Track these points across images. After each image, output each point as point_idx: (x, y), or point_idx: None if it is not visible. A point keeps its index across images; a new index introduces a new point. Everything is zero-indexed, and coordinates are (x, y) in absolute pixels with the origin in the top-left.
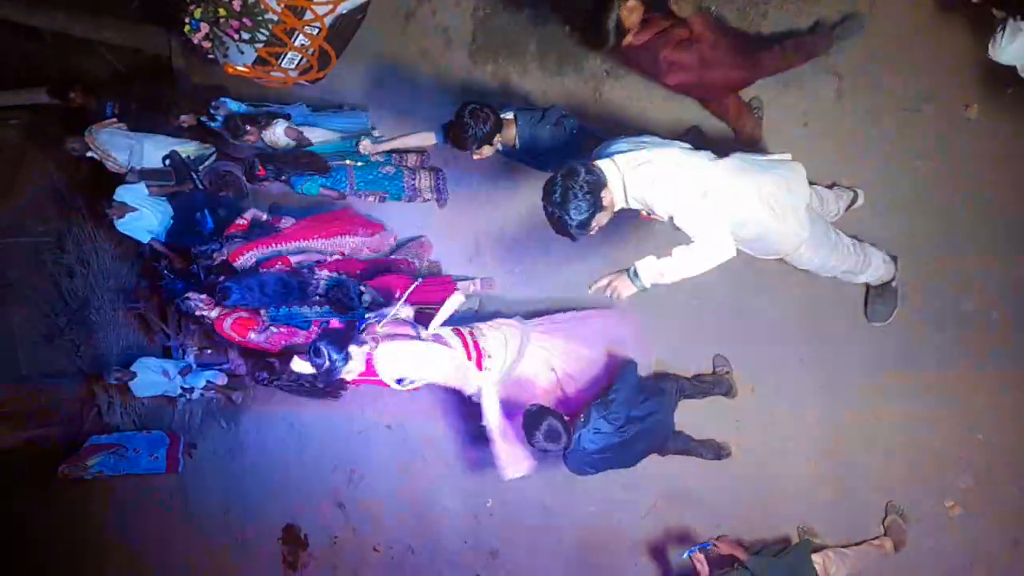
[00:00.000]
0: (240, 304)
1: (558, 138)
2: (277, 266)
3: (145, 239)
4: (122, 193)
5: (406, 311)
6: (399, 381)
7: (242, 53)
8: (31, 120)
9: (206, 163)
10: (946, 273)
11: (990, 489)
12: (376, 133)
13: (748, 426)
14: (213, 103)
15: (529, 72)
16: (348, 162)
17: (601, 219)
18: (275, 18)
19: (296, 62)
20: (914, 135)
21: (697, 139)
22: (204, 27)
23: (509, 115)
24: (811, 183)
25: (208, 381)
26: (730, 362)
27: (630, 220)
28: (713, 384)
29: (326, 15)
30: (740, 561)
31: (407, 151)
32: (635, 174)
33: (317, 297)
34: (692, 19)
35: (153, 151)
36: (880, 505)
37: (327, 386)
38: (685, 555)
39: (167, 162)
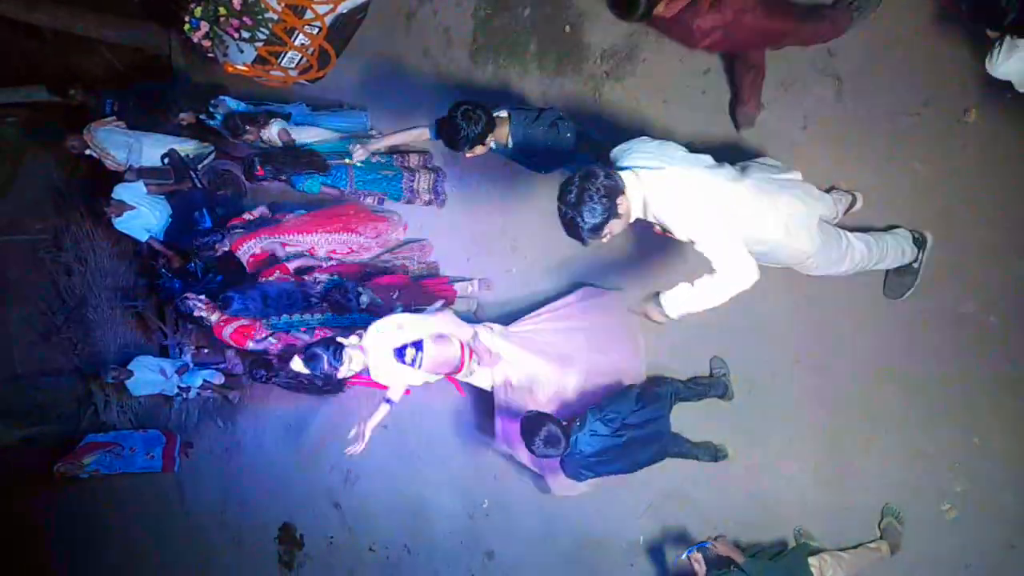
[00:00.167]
0: (241, 314)
1: (551, 140)
2: (276, 274)
3: (143, 237)
4: (120, 191)
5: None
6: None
7: (242, 52)
8: (30, 118)
9: (205, 162)
10: (944, 276)
11: (986, 493)
12: (375, 133)
13: (744, 428)
14: (212, 101)
15: (529, 72)
16: (347, 161)
17: (615, 226)
18: (275, 17)
19: (296, 61)
20: (913, 138)
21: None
22: (204, 25)
23: (503, 113)
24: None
25: (205, 380)
26: (727, 364)
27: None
28: (709, 386)
29: (327, 14)
30: (737, 564)
31: (407, 151)
32: (658, 194)
33: (317, 301)
34: None
35: (152, 149)
36: (876, 508)
37: (326, 383)
38: (684, 555)
39: (166, 160)
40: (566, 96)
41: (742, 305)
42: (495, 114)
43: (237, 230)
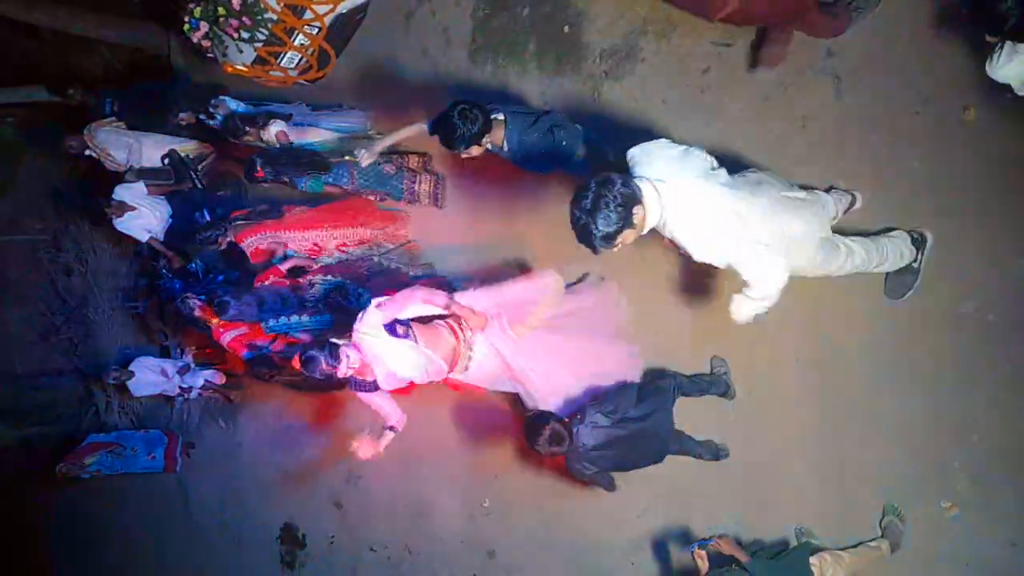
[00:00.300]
0: (237, 319)
1: (547, 146)
2: (270, 278)
3: (143, 238)
4: (121, 192)
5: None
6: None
7: (241, 52)
8: (29, 118)
9: (205, 162)
10: (943, 274)
11: (987, 491)
12: (374, 133)
13: (745, 427)
14: (212, 101)
15: (528, 72)
16: (348, 158)
17: (628, 236)
18: (275, 17)
19: (296, 61)
20: (912, 137)
21: None
22: (203, 26)
23: (500, 116)
24: (811, 187)
25: (206, 380)
26: (727, 363)
27: None
28: (711, 383)
29: (326, 14)
30: (739, 563)
31: (406, 152)
32: (677, 213)
33: (313, 303)
34: None
35: (152, 150)
36: (877, 506)
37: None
38: (690, 549)
39: (166, 161)
40: (565, 96)
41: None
42: (492, 116)
43: (240, 222)
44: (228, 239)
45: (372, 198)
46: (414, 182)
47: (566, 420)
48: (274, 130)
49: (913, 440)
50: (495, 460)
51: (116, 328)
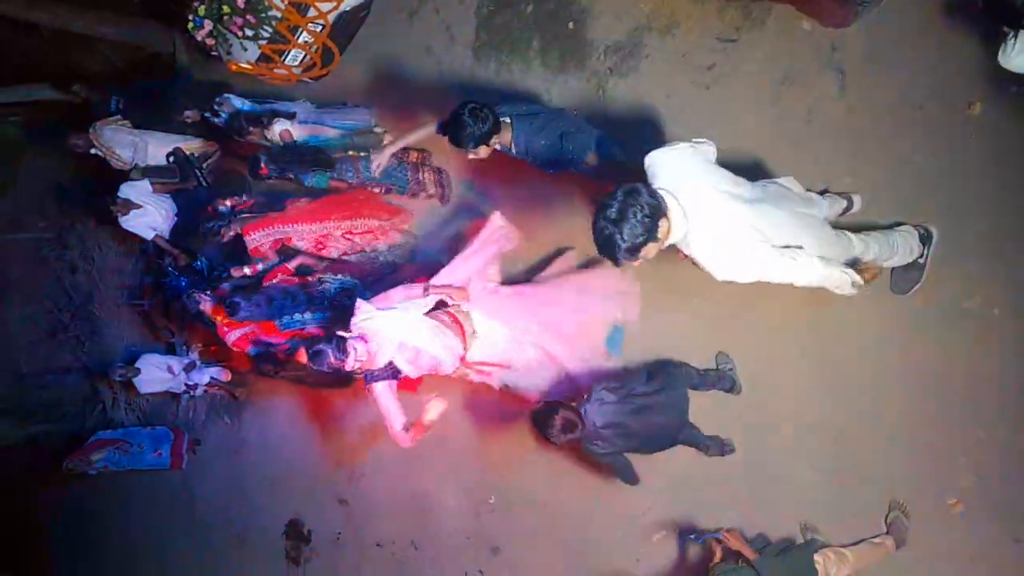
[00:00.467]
0: (248, 319)
1: (555, 153)
2: (279, 276)
3: (149, 236)
4: (126, 190)
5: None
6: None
7: (245, 50)
8: (31, 116)
9: (210, 160)
10: (948, 270)
11: (992, 487)
12: (378, 130)
13: (751, 422)
14: (217, 99)
15: (532, 69)
16: (351, 153)
17: (651, 250)
18: (279, 15)
19: (300, 59)
20: (917, 132)
21: None
22: (208, 24)
23: (507, 120)
24: (806, 188)
25: (212, 377)
26: (732, 359)
27: None
28: (717, 378)
29: (330, 12)
30: (746, 559)
31: (407, 148)
32: (701, 235)
33: (324, 301)
34: None
35: (157, 148)
36: (882, 502)
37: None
38: (700, 540)
39: (171, 159)
40: (569, 93)
41: (747, 300)
42: (500, 119)
43: (245, 215)
44: (232, 232)
45: (377, 191)
46: (418, 174)
47: (573, 404)
48: (278, 128)
49: (918, 436)
50: (500, 456)
51: (122, 326)
